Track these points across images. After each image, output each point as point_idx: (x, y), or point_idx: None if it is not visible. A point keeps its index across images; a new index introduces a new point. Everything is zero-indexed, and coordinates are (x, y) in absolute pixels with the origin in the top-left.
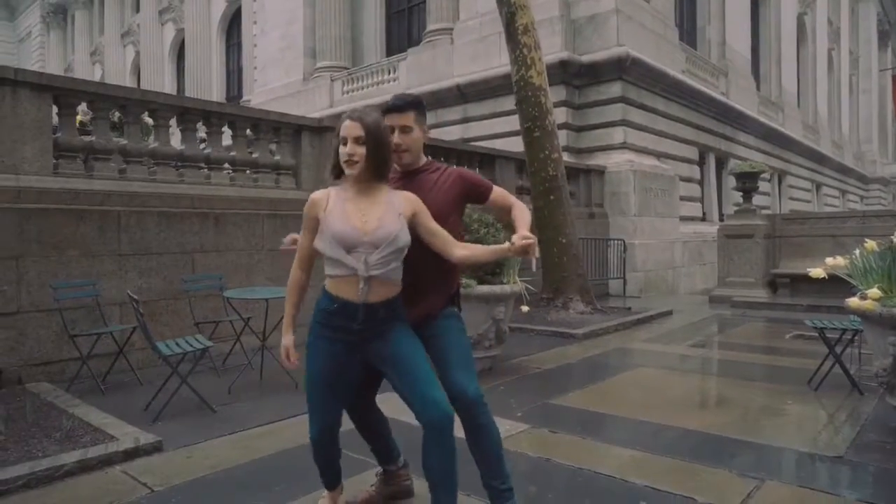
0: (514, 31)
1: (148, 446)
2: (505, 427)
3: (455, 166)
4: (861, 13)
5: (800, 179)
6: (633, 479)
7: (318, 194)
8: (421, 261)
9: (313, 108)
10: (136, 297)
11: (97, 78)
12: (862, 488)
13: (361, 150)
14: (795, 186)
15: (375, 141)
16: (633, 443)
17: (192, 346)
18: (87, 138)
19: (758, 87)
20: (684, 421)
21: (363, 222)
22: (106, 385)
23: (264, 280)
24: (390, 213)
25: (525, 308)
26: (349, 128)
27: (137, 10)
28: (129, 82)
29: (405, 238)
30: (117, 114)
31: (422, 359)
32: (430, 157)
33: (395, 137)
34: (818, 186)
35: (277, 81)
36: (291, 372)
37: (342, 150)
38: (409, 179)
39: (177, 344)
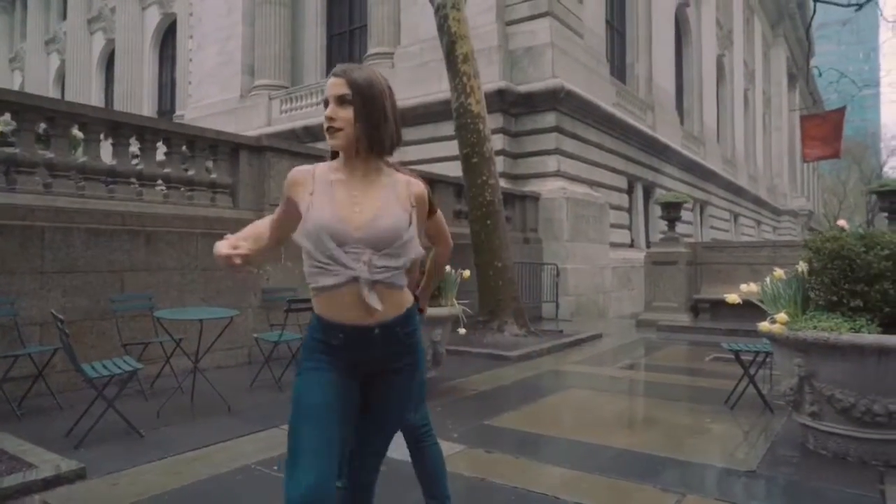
0: (455, 59)
1: (70, 474)
2: (442, 448)
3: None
4: (772, 57)
5: (719, 210)
6: (564, 496)
7: (300, 170)
8: None
9: (250, 126)
10: (61, 316)
11: (16, 86)
12: (771, 499)
13: (346, 114)
14: (715, 216)
15: (364, 99)
16: (565, 462)
17: (120, 368)
18: (9, 150)
19: (681, 122)
20: (613, 440)
21: (353, 212)
22: (22, 410)
23: (197, 300)
24: (391, 200)
25: (462, 331)
26: (331, 86)
27: (64, 17)
28: (52, 92)
29: (407, 235)
30: (42, 125)
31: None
32: None
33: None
34: (736, 217)
35: (213, 97)
36: (224, 395)
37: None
38: None
39: (104, 366)
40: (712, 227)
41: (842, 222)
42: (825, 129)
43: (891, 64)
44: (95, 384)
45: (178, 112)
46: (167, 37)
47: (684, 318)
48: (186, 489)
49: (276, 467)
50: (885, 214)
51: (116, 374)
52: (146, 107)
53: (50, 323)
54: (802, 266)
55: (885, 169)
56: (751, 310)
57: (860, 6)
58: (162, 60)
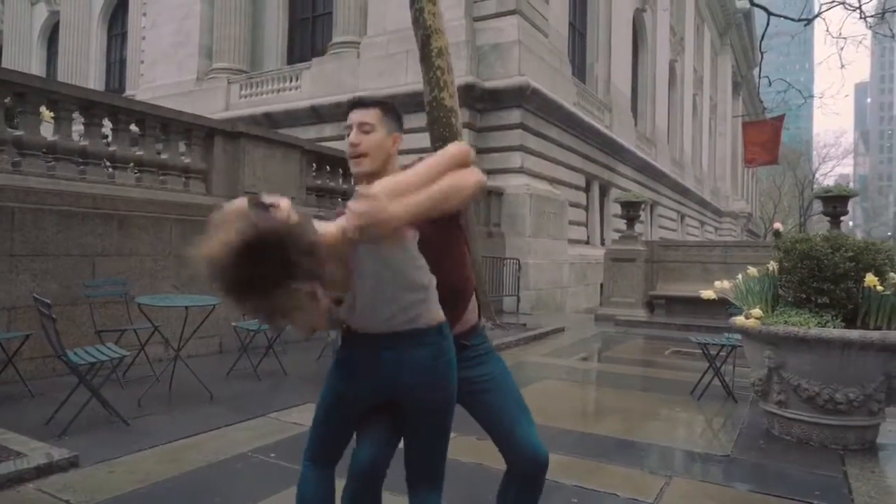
0: (429, 53)
1: (63, 462)
2: None
3: None
4: (720, 64)
5: (668, 210)
6: (562, 479)
7: None
8: None
9: (207, 110)
10: (47, 300)
11: None
12: (749, 481)
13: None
14: (664, 216)
15: None
16: (553, 448)
17: (105, 355)
18: None
19: (635, 124)
20: (596, 427)
21: None
22: None
23: (169, 287)
24: None
25: None
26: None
27: None
28: None
29: None
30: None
31: None
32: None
33: (352, 136)
34: (682, 217)
35: (167, 79)
36: (207, 383)
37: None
38: None
39: (86, 352)
40: (661, 227)
41: (777, 225)
42: (765, 136)
43: (834, 77)
44: (80, 371)
45: (128, 92)
46: (117, 12)
47: (641, 314)
48: (187, 476)
49: (273, 455)
50: (828, 218)
51: (103, 360)
52: (92, 85)
53: (20, 308)
54: (773, 265)
55: (817, 175)
56: (703, 306)
57: (808, 21)
58: (111, 37)
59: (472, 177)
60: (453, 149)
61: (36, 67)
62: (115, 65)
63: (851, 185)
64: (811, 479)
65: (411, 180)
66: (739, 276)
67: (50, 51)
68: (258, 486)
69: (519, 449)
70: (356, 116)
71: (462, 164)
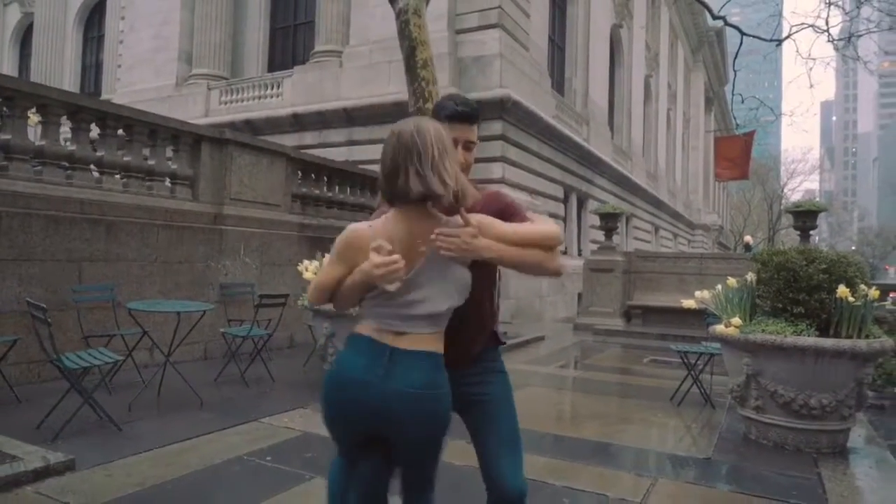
0: (414, 64)
1: (59, 465)
2: None
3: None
4: (693, 80)
5: (643, 222)
6: (551, 481)
7: None
8: None
9: (186, 115)
10: (42, 304)
11: None
12: (730, 482)
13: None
14: (639, 228)
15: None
16: (542, 451)
17: (98, 359)
18: None
19: (612, 137)
20: (578, 432)
21: None
22: None
23: (155, 293)
24: None
25: None
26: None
27: None
28: None
29: None
30: None
31: None
32: None
33: (461, 155)
34: (657, 229)
35: (146, 83)
36: (196, 387)
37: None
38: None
39: (79, 357)
40: (636, 238)
41: (748, 238)
42: (736, 152)
43: (802, 95)
44: (73, 376)
45: (104, 96)
46: (94, 15)
47: (619, 323)
48: (186, 479)
49: (268, 458)
50: (798, 232)
51: (96, 365)
52: (67, 88)
53: (6, 313)
54: (751, 276)
55: (786, 190)
56: (679, 316)
57: (780, 42)
58: (87, 40)
59: (553, 263)
60: (551, 229)
61: (8, 69)
62: (91, 68)
63: (818, 200)
64: (788, 480)
65: (510, 237)
66: (719, 286)
67: (23, 52)
68: (258, 489)
69: (493, 482)
70: (464, 133)
71: (551, 245)
